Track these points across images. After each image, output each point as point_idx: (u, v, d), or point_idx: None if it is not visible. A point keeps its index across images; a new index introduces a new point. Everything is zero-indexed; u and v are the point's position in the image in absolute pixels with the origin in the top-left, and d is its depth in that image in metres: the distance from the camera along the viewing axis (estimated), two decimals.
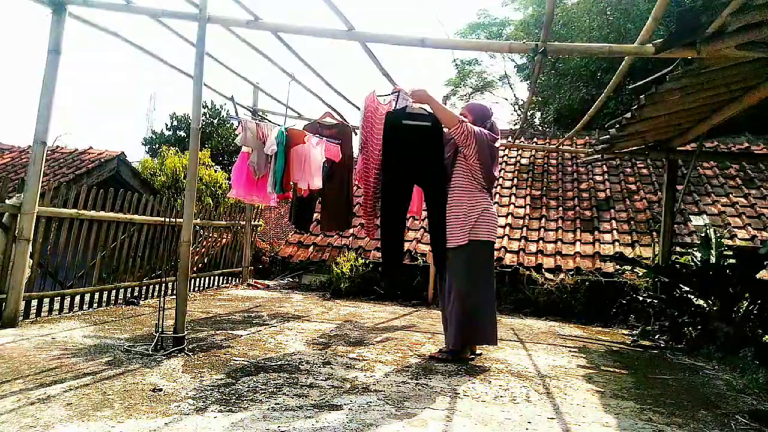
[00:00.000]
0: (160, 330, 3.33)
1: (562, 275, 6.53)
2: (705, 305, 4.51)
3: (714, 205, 8.14)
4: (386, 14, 56.36)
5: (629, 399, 2.87)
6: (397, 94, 4.34)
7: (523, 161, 10.14)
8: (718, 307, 4.40)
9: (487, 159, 3.56)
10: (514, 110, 20.39)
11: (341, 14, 3.58)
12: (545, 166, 9.90)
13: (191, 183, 3.43)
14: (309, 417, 2.26)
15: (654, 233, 7.32)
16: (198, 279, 6.73)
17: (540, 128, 15.22)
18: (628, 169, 9.58)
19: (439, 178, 3.67)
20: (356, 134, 4.93)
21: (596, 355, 4.10)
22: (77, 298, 4.70)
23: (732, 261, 4.63)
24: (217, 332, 4.04)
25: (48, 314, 4.34)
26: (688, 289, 4.69)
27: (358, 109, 4.63)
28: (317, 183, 4.69)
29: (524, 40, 4.81)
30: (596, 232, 7.55)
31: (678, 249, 6.53)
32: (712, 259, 4.84)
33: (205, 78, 3.56)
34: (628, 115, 4.45)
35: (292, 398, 2.51)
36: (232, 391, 2.56)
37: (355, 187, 5.73)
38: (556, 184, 9.20)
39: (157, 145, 19.36)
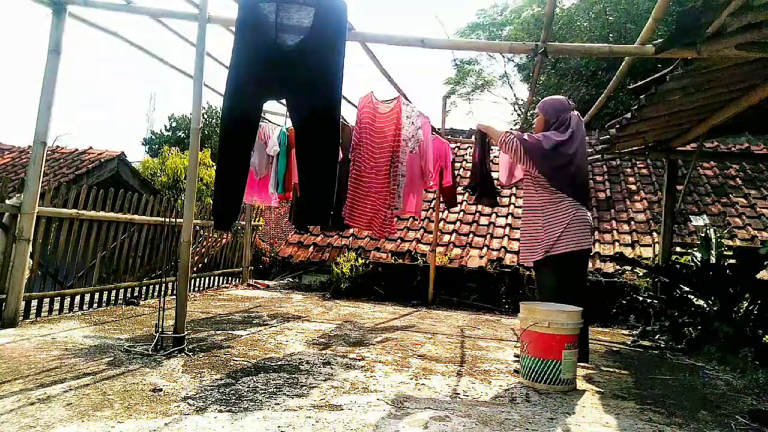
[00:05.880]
0: (160, 330, 3.33)
1: None
2: (705, 305, 4.51)
3: (714, 205, 8.14)
4: (386, 15, 56.37)
5: (629, 399, 2.87)
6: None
7: None
8: (718, 307, 4.40)
9: (545, 165, 3.31)
10: (514, 110, 20.39)
11: None
12: None
13: (191, 183, 3.43)
14: (309, 417, 2.26)
15: (654, 233, 7.32)
16: (198, 279, 6.73)
17: None
18: (628, 170, 9.58)
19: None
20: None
21: (596, 355, 4.09)
22: (77, 298, 4.69)
23: (732, 261, 4.63)
24: (217, 332, 4.04)
25: (48, 314, 4.34)
26: (688, 289, 4.68)
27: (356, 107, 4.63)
28: None
29: (525, 41, 4.80)
30: (596, 233, 7.55)
31: (678, 249, 6.53)
32: (712, 259, 4.84)
33: (205, 78, 3.56)
34: (629, 115, 4.45)
35: (292, 398, 2.51)
36: (232, 391, 2.56)
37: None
38: None
39: (156, 146, 19.38)
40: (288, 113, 3.36)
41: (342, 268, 7.01)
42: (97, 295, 4.92)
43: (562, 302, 3.23)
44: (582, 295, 3.41)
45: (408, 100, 4.67)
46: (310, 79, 3.23)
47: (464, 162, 10.28)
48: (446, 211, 8.12)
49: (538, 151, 3.35)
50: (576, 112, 3.52)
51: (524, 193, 3.59)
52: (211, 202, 3.12)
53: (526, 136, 3.43)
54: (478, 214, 8.39)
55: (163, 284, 5.37)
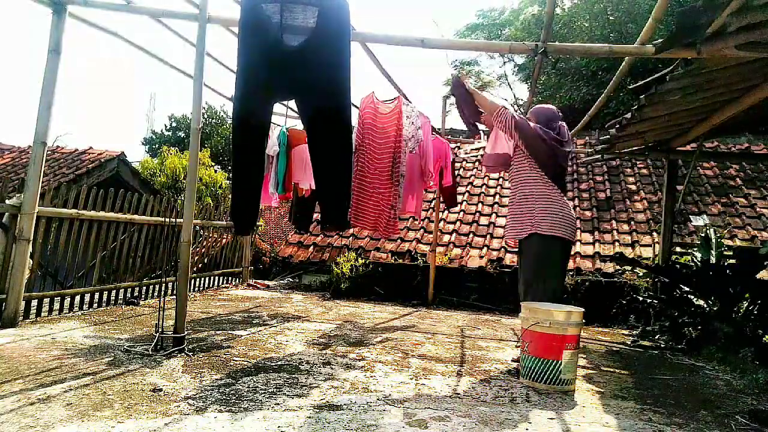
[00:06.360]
0: (160, 330, 3.33)
1: None
2: (705, 305, 4.51)
3: (714, 205, 8.14)
4: (384, 11, 56.42)
5: (629, 399, 2.87)
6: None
7: None
8: (718, 307, 4.40)
9: (541, 155, 3.42)
10: (514, 111, 20.40)
11: None
12: None
13: (191, 183, 3.43)
14: (309, 417, 2.26)
15: (654, 233, 7.32)
16: (198, 279, 6.73)
17: None
18: (628, 170, 9.58)
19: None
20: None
21: (596, 355, 4.10)
22: (77, 298, 4.69)
23: (732, 261, 4.63)
24: (217, 332, 4.04)
25: (48, 314, 4.34)
26: (688, 289, 4.68)
27: (357, 108, 4.64)
28: None
29: (525, 41, 4.80)
30: (596, 233, 7.55)
31: (678, 249, 6.53)
32: (712, 259, 4.84)
33: (205, 78, 3.55)
34: (628, 115, 4.45)
35: (292, 398, 2.51)
36: (232, 391, 2.56)
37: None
38: None
39: (156, 145, 19.38)
40: (297, 114, 3.34)
41: (342, 268, 7.01)
42: (97, 295, 4.92)
43: (546, 281, 3.35)
44: (561, 284, 3.55)
45: (408, 100, 4.68)
46: (316, 79, 3.22)
47: (464, 162, 10.28)
48: (446, 211, 8.12)
49: (527, 130, 3.43)
50: (564, 123, 3.64)
51: (517, 170, 3.61)
52: (229, 206, 3.12)
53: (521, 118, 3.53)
54: (478, 214, 8.38)
55: (163, 284, 5.36)
